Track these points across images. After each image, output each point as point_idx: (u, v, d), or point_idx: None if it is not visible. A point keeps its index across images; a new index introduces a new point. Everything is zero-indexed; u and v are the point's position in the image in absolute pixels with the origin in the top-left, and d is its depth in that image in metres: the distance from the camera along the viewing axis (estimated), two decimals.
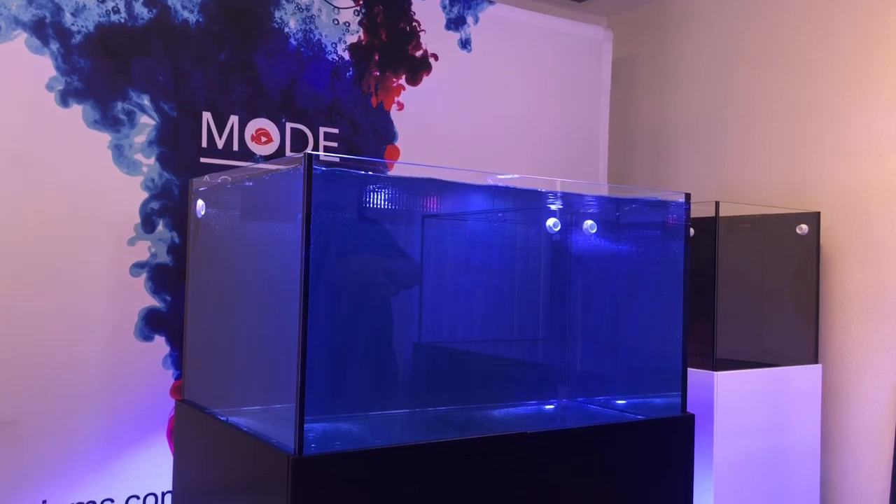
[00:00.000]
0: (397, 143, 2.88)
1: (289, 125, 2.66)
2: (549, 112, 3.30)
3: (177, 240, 2.45)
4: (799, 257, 3.00)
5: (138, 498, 2.39)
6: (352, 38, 2.79)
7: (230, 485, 1.74)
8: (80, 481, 2.30)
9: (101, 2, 2.34)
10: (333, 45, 2.75)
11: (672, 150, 3.74)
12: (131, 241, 2.39)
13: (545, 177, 2.53)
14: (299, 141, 2.68)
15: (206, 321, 2.03)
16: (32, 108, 2.24)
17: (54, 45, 2.27)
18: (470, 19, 3.06)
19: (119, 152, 2.37)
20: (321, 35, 2.73)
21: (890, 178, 2.88)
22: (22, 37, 2.23)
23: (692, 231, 2.18)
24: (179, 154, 2.46)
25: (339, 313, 1.91)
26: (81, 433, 2.30)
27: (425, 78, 2.96)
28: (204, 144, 2.50)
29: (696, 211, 2.41)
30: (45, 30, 2.26)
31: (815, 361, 2.97)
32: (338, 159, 2.27)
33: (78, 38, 2.30)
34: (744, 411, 2.67)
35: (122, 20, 2.37)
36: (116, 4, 2.36)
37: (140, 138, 2.40)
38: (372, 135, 2.83)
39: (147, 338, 2.41)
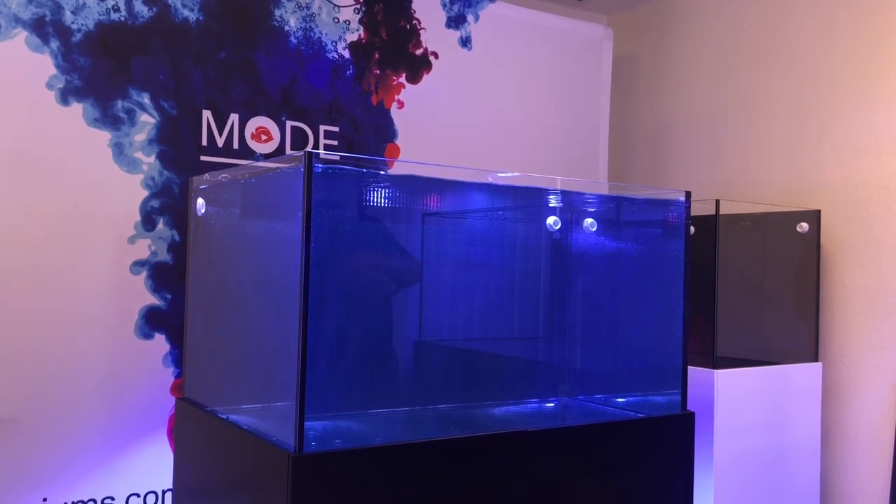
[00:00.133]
0: (397, 142, 2.88)
1: (289, 123, 2.66)
2: (550, 110, 3.30)
3: (177, 238, 2.45)
4: (799, 255, 3.00)
5: (139, 496, 2.39)
6: (352, 37, 2.79)
7: (230, 483, 1.75)
8: (81, 479, 2.30)
9: (102, 0, 2.34)
10: (334, 44, 2.75)
11: (672, 148, 3.74)
12: (131, 240, 2.39)
13: (545, 175, 2.53)
14: (299, 139, 2.68)
15: (207, 319, 2.03)
16: (32, 106, 2.24)
17: (54, 44, 2.27)
18: (470, 17, 3.06)
19: (119, 150, 2.37)
20: (321, 33, 2.73)
21: (890, 176, 2.88)
22: (22, 35, 2.23)
23: (692, 229, 2.17)
24: (180, 152, 2.46)
25: (340, 311, 1.91)
26: (82, 431, 2.30)
27: (425, 76, 2.96)
28: (204, 143, 2.50)
29: (697, 209, 2.41)
30: (45, 28, 2.26)
31: (816, 359, 2.97)
32: (338, 157, 2.27)
33: (78, 36, 2.30)
34: (744, 409, 2.67)
35: (123, 18, 2.37)
36: (116, 3, 2.36)
37: (140, 136, 2.40)
38: (372, 133, 2.83)
39: (147, 336, 2.41)
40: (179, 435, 2.04)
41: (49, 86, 2.27)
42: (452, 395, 2.04)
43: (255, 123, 2.60)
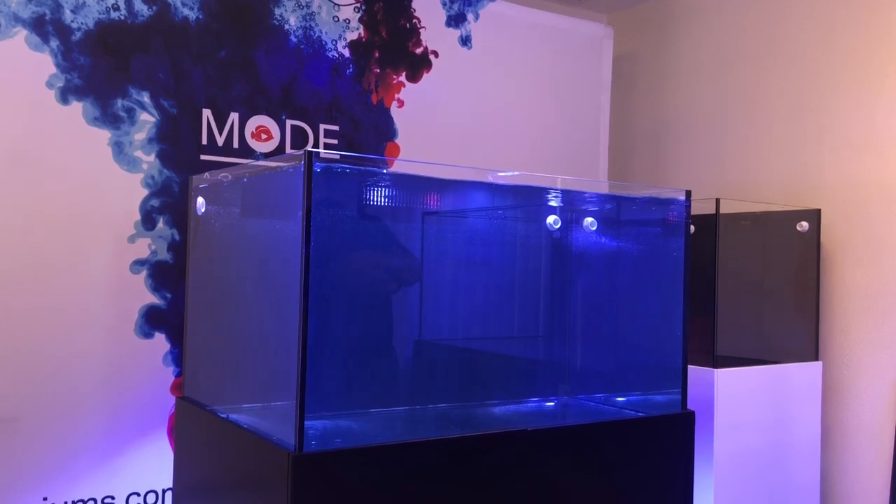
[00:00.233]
0: (397, 140, 2.88)
1: (289, 122, 2.66)
2: (550, 109, 3.29)
3: (177, 237, 2.45)
4: (799, 254, 3.00)
5: (139, 495, 2.39)
6: (352, 35, 2.79)
7: (230, 482, 1.75)
8: (81, 478, 2.30)
9: None
10: (334, 42, 2.75)
11: (672, 147, 3.74)
12: (131, 239, 2.39)
13: (545, 174, 2.53)
14: (299, 138, 2.68)
15: (207, 318, 2.03)
16: (32, 105, 2.24)
17: (54, 43, 2.27)
18: (470, 16, 3.06)
19: (119, 149, 2.37)
20: (321, 32, 2.72)
21: (890, 175, 2.88)
22: (22, 34, 2.23)
23: (693, 228, 2.17)
24: (179, 151, 2.46)
25: (340, 310, 1.91)
26: (82, 430, 2.30)
27: (425, 75, 2.96)
28: (204, 141, 2.50)
29: (697, 208, 2.41)
30: (45, 27, 2.26)
31: (816, 358, 2.97)
32: (338, 156, 2.27)
33: (78, 35, 2.30)
34: (744, 408, 2.67)
35: (122, 17, 2.37)
36: (116, 2, 2.36)
37: (140, 135, 2.40)
38: (372, 132, 2.83)
39: (147, 335, 2.41)
40: (179, 434, 2.04)
41: (49, 85, 2.26)
42: (452, 395, 2.04)
43: (255, 122, 2.60)
